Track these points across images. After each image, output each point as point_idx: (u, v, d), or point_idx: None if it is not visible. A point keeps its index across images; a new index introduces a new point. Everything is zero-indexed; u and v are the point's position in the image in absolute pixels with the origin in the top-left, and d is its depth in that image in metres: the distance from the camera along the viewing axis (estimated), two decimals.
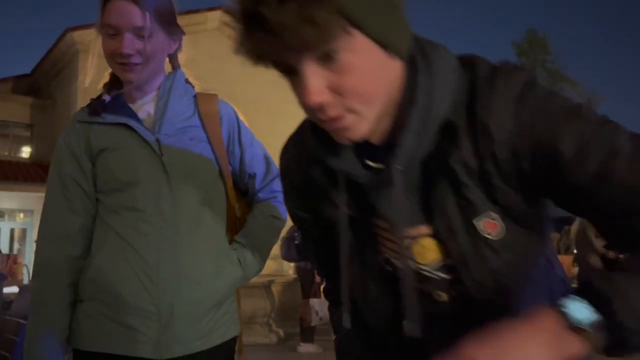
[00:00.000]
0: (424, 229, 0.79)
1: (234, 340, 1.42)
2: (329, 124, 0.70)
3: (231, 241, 1.42)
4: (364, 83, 0.68)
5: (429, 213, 0.78)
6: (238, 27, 0.66)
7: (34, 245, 1.37)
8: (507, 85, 0.72)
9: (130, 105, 1.36)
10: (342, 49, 0.65)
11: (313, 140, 0.79)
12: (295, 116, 0.80)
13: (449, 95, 0.73)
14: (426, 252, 0.80)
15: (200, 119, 1.40)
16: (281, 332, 6.78)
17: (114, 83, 1.39)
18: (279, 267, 7.08)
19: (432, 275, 0.81)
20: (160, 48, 1.33)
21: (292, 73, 0.68)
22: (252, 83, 12.68)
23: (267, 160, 1.52)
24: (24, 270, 7.45)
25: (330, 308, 1.08)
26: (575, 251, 7.50)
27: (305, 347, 5.97)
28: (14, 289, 7.42)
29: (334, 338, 1.08)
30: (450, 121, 0.73)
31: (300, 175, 0.87)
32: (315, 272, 5.93)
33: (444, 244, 0.78)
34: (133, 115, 1.34)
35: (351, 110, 0.69)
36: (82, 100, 1.94)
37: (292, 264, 6.32)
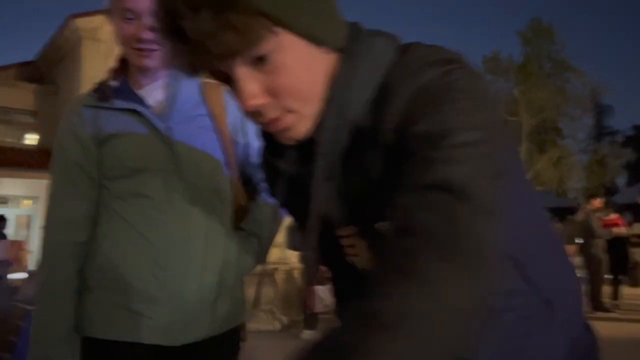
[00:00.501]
0: (352, 229, 0.76)
1: (242, 325, 1.43)
2: (270, 126, 0.69)
3: (236, 229, 1.43)
4: (297, 81, 0.66)
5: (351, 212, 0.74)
6: (166, 43, 0.65)
7: (39, 232, 1.36)
8: (413, 79, 0.65)
9: (138, 92, 1.36)
10: (270, 49, 0.63)
11: (261, 141, 0.79)
12: None
13: (368, 89, 0.68)
14: (362, 252, 0.77)
15: (208, 108, 1.40)
16: (285, 320, 6.83)
17: (121, 69, 1.39)
18: (283, 256, 7.11)
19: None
20: None
21: (229, 81, 0.67)
22: None
23: None
24: (30, 257, 7.51)
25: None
26: (578, 240, 7.50)
27: (308, 334, 6.01)
28: (21, 275, 7.50)
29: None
30: (360, 121, 0.69)
31: (267, 171, 0.86)
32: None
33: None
34: (141, 102, 1.33)
35: (289, 110, 0.67)
36: (85, 87, 1.93)
37: (295, 253, 6.35)
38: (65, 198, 1.32)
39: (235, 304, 1.41)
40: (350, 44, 0.71)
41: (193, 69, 0.66)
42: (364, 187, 0.71)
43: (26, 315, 2.39)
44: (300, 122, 0.69)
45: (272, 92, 0.66)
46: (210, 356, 1.35)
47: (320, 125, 0.70)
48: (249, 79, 0.65)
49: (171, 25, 0.62)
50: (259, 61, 0.64)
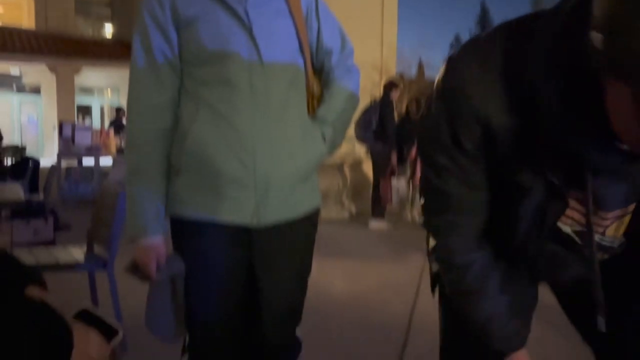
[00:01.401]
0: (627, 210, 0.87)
1: (318, 211, 1.50)
2: None
3: (311, 116, 1.45)
4: None
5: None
6: None
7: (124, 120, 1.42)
8: None
9: None
10: None
11: (559, 109, 0.71)
12: None
13: None
14: (620, 227, 0.89)
15: None
16: (353, 209, 7.06)
17: None
18: (351, 147, 7.19)
19: (608, 244, 0.92)
20: None
21: None
22: None
23: (343, 36, 1.49)
24: (116, 144, 8.03)
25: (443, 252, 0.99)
26: None
27: (376, 223, 6.21)
28: (108, 160, 8.07)
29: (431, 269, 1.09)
30: None
31: (482, 110, 0.80)
32: (392, 154, 6.04)
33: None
34: None
35: None
36: None
37: (363, 145, 6.39)
38: (148, 85, 1.35)
39: (312, 190, 1.46)
40: None
41: None
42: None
43: (118, 195, 2.61)
44: None
45: None
46: (289, 238, 1.43)
47: None
48: None
49: None
50: None
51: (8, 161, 9.90)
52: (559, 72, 0.71)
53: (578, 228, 0.88)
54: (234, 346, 1.44)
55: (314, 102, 1.46)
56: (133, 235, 1.37)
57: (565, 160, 0.77)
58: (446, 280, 1.01)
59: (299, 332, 1.53)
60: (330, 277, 4.05)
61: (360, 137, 6.07)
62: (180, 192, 1.37)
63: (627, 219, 0.90)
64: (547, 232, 0.88)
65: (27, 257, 2.72)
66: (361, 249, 5.24)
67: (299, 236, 1.45)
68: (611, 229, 0.91)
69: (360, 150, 6.99)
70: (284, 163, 1.35)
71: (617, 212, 0.88)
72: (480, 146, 0.83)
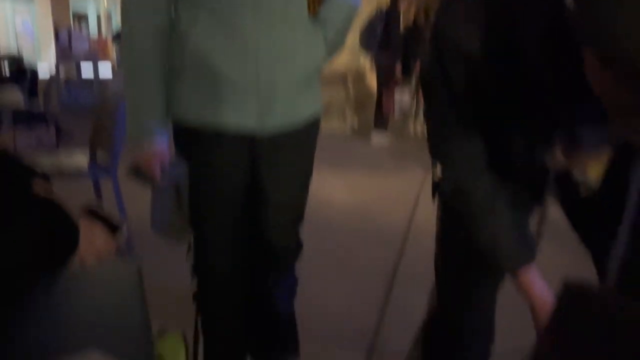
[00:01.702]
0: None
1: (319, 117, 1.48)
2: None
3: (311, 18, 1.39)
4: None
5: None
6: None
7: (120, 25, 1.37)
8: None
9: None
10: None
11: None
12: None
13: None
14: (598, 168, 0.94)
15: None
16: (355, 122, 7.03)
17: None
18: (354, 58, 7.01)
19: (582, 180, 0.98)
20: None
21: None
22: None
23: None
24: (114, 52, 7.85)
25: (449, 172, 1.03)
26: None
27: (378, 135, 6.19)
28: (107, 71, 7.94)
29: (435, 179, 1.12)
30: None
31: (465, 46, 0.85)
32: (396, 65, 5.90)
33: None
34: None
35: None
36: None
37: (367, 55, 6.23)
38: None
39: (315, 97, 1.44)
40: None
41: None
42: None
43: (118, 102, 2.58)
44: None
45: None
46: (293, 143, 1.42)
47: None
48: None
49: None
50: None
51: (6, 71, 9.74)
52: (540, 16, 0.75)
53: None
54: (237, 249, 1.48)
55: (315, 4, 1.41)
56: (135, 139, 1.37)
57: (543, 100, 0.81)
58: (455, 205, 1.05)
59: (301, 233, 1.57)
60: (331, 189, 4.11)
61: (365, 45, 5.91)
62: (182, 96, 1.34)
63: (604, 159, 0.94)
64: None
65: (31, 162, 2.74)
66: (363, 161, 5.27)
67: (301, 141, 1.45)
68: (592, 170, 0.94)
69: (365, 62, 6.83)
70: (287, 66, 1.32)
71: (595, 151, 0.91)
72: (469, 83, 0.88)
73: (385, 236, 3.17)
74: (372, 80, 6.60)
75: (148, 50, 1.32)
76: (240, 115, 1.33)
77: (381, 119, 6.19)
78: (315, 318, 2.11)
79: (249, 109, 1.33)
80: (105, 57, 7.69)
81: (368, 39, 5.83)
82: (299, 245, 1.58)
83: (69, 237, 0.75)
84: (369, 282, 2.57)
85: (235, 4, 1.26)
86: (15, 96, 3.55)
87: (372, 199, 3.99)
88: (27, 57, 8.17)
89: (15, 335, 0.59)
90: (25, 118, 4.48)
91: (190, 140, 1.38)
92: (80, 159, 2.89)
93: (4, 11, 16.57)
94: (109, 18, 16.54)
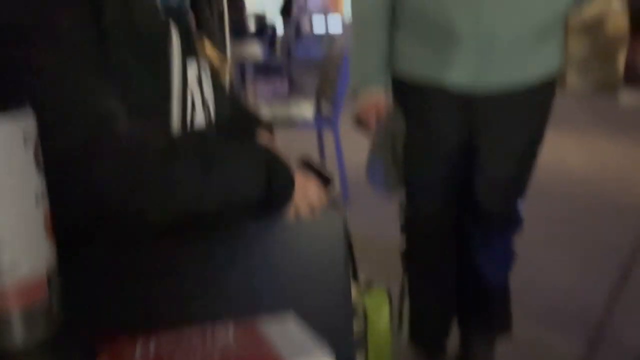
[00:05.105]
0: None
1: (556, 76, 1.30)
2: None
3: None
4: None
5: None
6: None
7: None
8: None
9: None
10: None
11: None
12: None
13: None
14: None
15: None
16: (601, 78, 6.13)
17: None
18: (607, 4, 6.04)
19: None
20: None
21: None
22: None
23: None
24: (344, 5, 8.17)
25: None
26: None
27: (627, 93, 5.30)
28: (338, 20, 8.37)
29: None
30: None
31: None
32: None
33: None
34: None
35: None
36: None
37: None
38: None
39: (552, 53, 1.26)
40: None
41: None
42: None
43: (343, 56, 2.65)
44: None
45: None
46: (516, 109, 1.28)
47: None
48: None
49: None
50: None
51: (252, 28, 10.92)
52: None
53: None
54: (448, 210, 1.42)
55: None
56: (354, 86, 1.39)
57: None
58: None
59: (521, 206, 1.42)
60: (565, 153, 3.67)
61: None
62: (401, 47, 1.32)
63: None
64: None
65: (266, 111, 3.01)
66: (607, 123, 4.58)
67: (530, 104, 1.28)
68: None
69: (616, 4, 5.83)
70: (516, 15, 1.16)
71: None
72: None
73: (626, 211, 2.71)
74: (622, 27, 5.61)
75: (374, 3, 1.31)
76: (456, 70, 1.23)
77: (632, 73, 5.27)
78: (534, 295, 1.92)
79: (466, 65, 1.22)
80: (335, 10, 8.11)
81: None
82: (517, 219, 1.42)
83: (285, 188, 0.76)
84: (600, 262, 2.23)
85: None
86: (256, 50, 3.94)
87: (615, 168, 3.45)
88: (270, 13, 8.99)
89: (224, 278, 0.61)
90: (264, 70, 4.97)
91: (408, 94, 1.35)
92: (307, 109, 3.08)
93: None
94: None
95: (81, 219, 0.62)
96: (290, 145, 1.26)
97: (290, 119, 2.91)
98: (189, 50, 0.76)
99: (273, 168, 0.77)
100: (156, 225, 0.66)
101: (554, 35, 1.25)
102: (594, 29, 6.15)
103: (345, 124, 1.61)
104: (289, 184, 0.78)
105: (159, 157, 0.64)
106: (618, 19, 6.02)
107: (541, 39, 1.22)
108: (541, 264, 2.18)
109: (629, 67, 5.23)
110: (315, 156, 2.64)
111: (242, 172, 0.73)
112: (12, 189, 0.42)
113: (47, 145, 0.45)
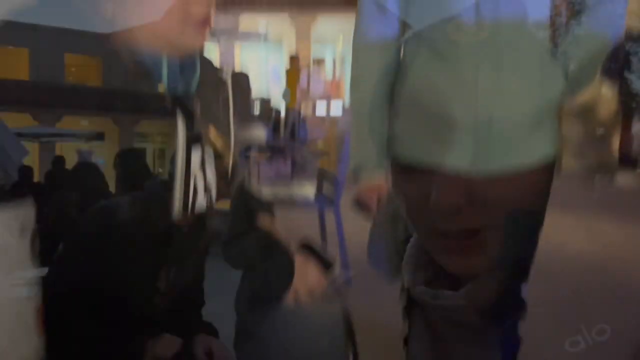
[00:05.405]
0: None
1: (554, 162, 1.33)
2: None
3: (551, 47, 1.26)
4: None
5: None
6: None
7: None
8: None
9: None
10: None
11: None
12: None
13: None
14: None
15: None
16: (596, 158, 6.24)
17: None
18: (593, 88, 6.29)
19: None
20: None
21: None
22: None
23: None
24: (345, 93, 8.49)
25: None
26: None
27: (623, 175, 5.38)
28: (339, 105, 8.65)
29: None
30: None
31: None
32: None
33: None
34: None
35: None
36: None
37: (609, 86, 5.51)
38: (372, 22, 1.36)
39: (549, 137, 1.30)
40: None
41: None
42: None
43: (344, 137, 2.73)
44: None
45: None
46: (516, 186, 1.30)
47: None
48: None
49: None
50: None
51: (257, 110, 11.29)
52: None
53: None
54: None
55: (555, 34, 1.26)
56: (355, 170, 1.42)
57: None
58: None
59: (525, 292, 1.40)
60: (564, 234, 3.66)
61: (607, 72, 5.24)
62: (398, 134, 1.35)
63: None
64: None
65: (268, 191, 3.04)
66: (604, 205, 4.61)
67: (527, 187, 1.30)
68: None
69: (606, 91, 6.06)
70: (510, 105, 1.21)
71: None
72: None
73: (631, 297, 2.66)
74: (613, 112, 5.79)
75: (373, 89, 1.37)
76: (455, 155, 1.25)
77: (628, 155, 5.37)
78: None
79: (464, 150, 1.24)
80: (337, 96, 8.40)
81: (609, 65, 5.16)
82: (519, 303, 1.40)
83: (284, 271, 0.76)
84: (605, 352, 2.16)
85: (454, 39, 1.21)
86: (260, 133, 4.08)
87: (616, 250, 3.44)
88: (274, 97, 9.33)
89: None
90: (268, 152, 5.08)
91: (406, 175, 1.35)
92: (309, 189, 3.11)
93: (259, 59, 19.38)
94: (342, 61, 18.01)
95: None
96: (292, 224, 1.27)
97: (293, 199, 2.94)
98: (194, 136, 0.79)
99: (272, 252, 0.78)
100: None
101: (549, 121, 1.29)
102: (587, 113, 6.35)
103: (347, 203, 1.64)
104: (288, 269, 0.78)
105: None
106: (609, 104, 6.23)
107: (537, 125, 1.25)
108: (541, 349, 2.12)
109: (622, 149, 5.35)
110: (316, 236, 2.64)
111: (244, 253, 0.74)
112: (4, 277, 0.42)
113: None
